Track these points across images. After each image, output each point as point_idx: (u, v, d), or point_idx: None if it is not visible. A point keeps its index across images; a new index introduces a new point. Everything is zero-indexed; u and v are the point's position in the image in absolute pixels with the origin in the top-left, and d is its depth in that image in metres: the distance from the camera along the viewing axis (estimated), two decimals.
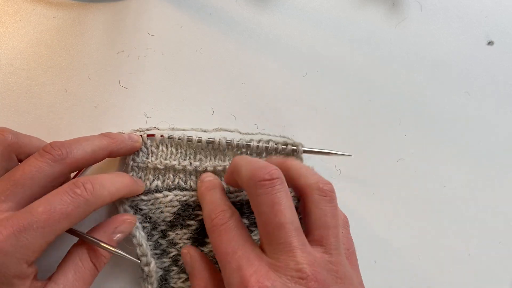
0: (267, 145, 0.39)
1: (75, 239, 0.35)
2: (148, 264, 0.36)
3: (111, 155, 0.36)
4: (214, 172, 0.39)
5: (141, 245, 0.36)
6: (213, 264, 0.36)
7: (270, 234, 0.30)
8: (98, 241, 0.34)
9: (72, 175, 0.37)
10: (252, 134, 0.40)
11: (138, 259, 0.36)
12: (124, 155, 0.38)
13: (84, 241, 0.34)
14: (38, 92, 0.40)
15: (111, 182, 0.34)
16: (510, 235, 0.43)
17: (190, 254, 0.36)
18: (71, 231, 0.34)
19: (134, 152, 0.38)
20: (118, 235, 0.35)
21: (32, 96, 0.40)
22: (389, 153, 0.43)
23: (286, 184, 0.32)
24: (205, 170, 0.39)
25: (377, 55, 0.45)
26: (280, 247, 0.30)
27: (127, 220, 0.36)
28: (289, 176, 0.34)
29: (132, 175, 0.38)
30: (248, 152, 0.39)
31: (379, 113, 0.44)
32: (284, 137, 0.40)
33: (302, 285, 0.28)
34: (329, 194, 0.32)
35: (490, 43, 0.46)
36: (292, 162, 0.35)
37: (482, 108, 0.45)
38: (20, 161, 0.33)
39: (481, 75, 0.46)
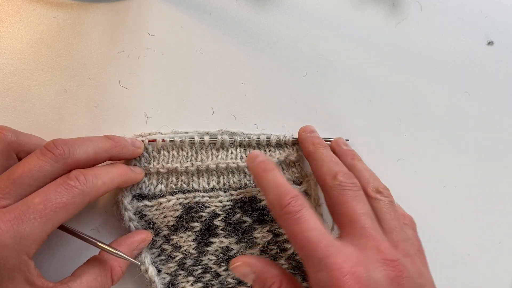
0: (268, 139, 0.40)
1: (79, 245, 0.35)
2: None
3: (112, 158, 0.36)
4: (217, 170, 0.39)
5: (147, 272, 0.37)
6: (274, 262, 0.37)
7: (354, 221, 0.32)
8: (95, 241, 0.34)
9: None
10: (256, 134, 0.40)
11: (139, 261, 0.36)
12: (125, 159, 0.38)
13: (108, 254, 0.34)
14: (38, 92, 0.40)
15: (105, 172, 0.34)
16: (510, 235, 0.43)
17: (248, 263, 0.34)
18: (72, 233, 0.34)
19: (135, 158, 0.38)
20: (136, 251, 0.36)
21: (32, 96, 0.40)
22: (389, 153, 0.43)
23: (362, 190, 0.35)
24: (207, 169, 0.39)
25: (377, 55, 0.45)
26: (365, 233, 0.32)
27: (147, 239, 0.37)
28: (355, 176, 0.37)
29: None
30: (251, 148, 0.40)
31: (379, 113, 0.44)
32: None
33: (393, 267, 0.30)
34: (389, 196, 0.36)
35: (490, 43, 0.46)
36: (357, 164, 0.38)
37: (482, 108, 0.45)
38: (20, 159, 0.33)
39: (481, 75, 0.46)
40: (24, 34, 0.41)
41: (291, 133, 0.41)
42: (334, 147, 0.40)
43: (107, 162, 0.37)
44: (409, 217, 0.38)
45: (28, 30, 0.41)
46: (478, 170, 0.44)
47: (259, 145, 0.40)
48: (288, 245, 0.39)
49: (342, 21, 0.45)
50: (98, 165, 0.35)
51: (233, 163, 0.39)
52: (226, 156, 0.39)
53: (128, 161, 0.38)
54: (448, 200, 0.43)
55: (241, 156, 0.40)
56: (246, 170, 0.39)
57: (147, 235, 0.37)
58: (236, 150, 0.40)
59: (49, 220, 0.29)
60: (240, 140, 0.39)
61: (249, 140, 0.40)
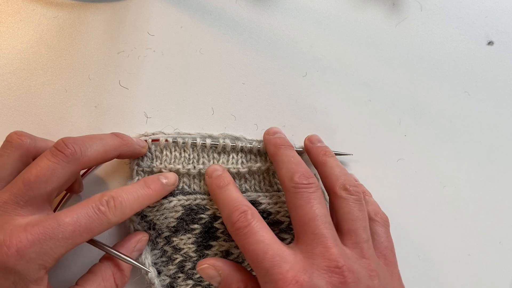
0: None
1: (80, 250, 0.35)
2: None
3: (120, 156, 0.36)
4: None
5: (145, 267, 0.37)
6: (241, 265, 0.36)
7: (305, 225, 0.32)
8: (107, 248, 0.34)
9: (81, 172, 0.37)
10: (258, 141, 0.40)
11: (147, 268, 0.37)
12: (130, 158, 0.38)
13: (109, 260, 0.35)
14: (38, 92, 0.40)
15: (135, 198, 0.33)
16: (510, 235, 0.43)
17: (214, 265, 0.35)
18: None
19: (139, 157, 0.38)
20: (135, 252, 0.36)
21: (32, 96, 0.40)
22: (389, 153, 0.43)
23: (320, 188, 0.34)
24: None
25: (377, 55, 0.45)
26: (314, 238, 0.31)
27: (143, 239, 0.37)
28: (322, 173, 0.37)
29: (138, 179, 0.38)
30: (252, 154, 0.40)
31: (379, 113, 0.44)
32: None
33: (338, 275, 0.29)
34: (355, 194, 0.34)
35: (490, 43, 0.46)
36: (328, 160, 0.37)
37: (482, 108, 0.45)
38: None
39: (481, 75, 0.46)
40: (24, 34, 0.41)
41: (292, 137, 0.41)
42: (307, 145, 0.40)
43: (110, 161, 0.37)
44: (381, 215, 0.37)
45: (28, 30, 0.41)
46: (478, 170, 0.44)
47: (259, 153, 0.40)
48: None
49: (342, 21, 0.45)
50: (129, 188, 0.34)
51: (234, 168, 0.39)
52: (227, 160, 0.39)
53: (131, 160, 0.38)
54: (448, 200, 0.43)
55: (242, 162, 0.40)
56: (247, 176, 0.39)
57: (142, 235, 0.37)
58: (237, 155, 0.40)
59: (74, 242, 0.30)
60: (242, 146, 0.39)
61: (250, 147, 0.39)
